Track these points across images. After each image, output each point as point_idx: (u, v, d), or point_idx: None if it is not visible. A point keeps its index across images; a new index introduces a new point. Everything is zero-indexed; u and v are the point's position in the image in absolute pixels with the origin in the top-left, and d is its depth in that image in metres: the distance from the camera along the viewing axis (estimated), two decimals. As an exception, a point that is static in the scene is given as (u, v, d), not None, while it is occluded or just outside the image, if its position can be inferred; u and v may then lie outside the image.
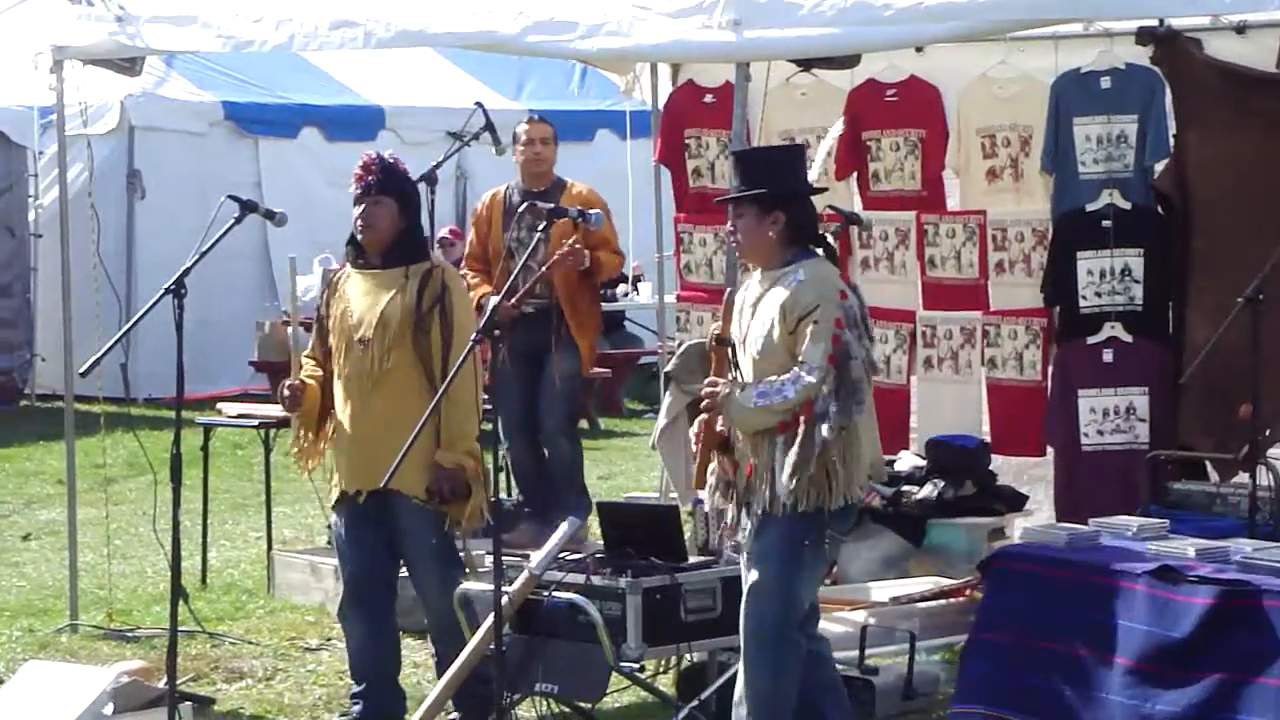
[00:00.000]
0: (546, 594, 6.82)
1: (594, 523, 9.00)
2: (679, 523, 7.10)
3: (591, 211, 7.24)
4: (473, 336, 6.36)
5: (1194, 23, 8.34)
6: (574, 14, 7.56)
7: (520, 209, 9.50)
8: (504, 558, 6.30)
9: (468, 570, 7.26)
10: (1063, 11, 7.29)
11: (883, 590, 8.40)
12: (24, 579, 9.95)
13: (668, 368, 9.10)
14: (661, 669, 7.26)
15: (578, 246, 9.31)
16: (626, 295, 16.20)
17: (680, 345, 9.18)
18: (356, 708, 7.15)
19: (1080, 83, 8.53)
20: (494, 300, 7.21)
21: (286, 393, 7.09)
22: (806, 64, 8.78)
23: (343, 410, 7.07)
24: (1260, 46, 8.33)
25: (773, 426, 6.03)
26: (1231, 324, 7.08)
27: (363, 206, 7.06)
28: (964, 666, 6.37)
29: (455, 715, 6.90)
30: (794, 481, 5.97)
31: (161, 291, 6.52)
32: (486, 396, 8.83)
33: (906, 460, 9.06)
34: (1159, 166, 8.44)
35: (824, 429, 5.95)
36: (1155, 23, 8.30)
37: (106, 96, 15.01)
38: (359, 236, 7.10)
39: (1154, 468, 8.06)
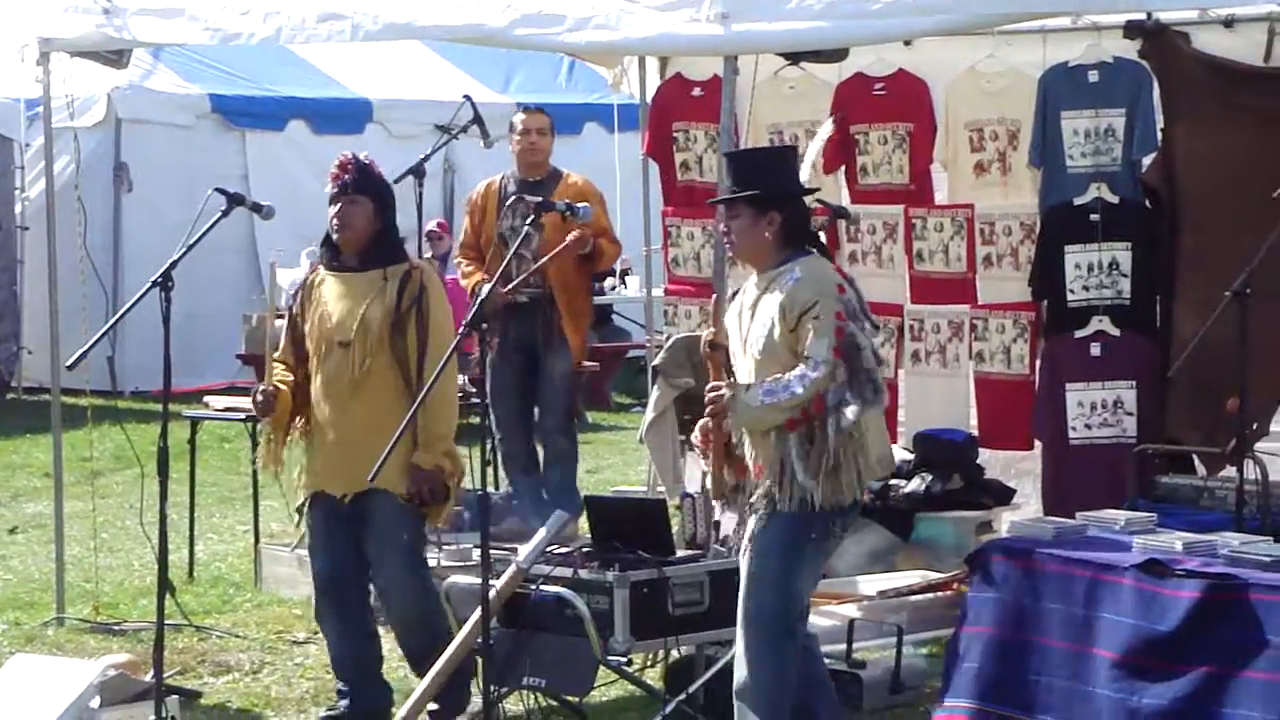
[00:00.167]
0: (534, 587, 6.81)
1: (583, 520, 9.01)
2: (666, 517, 7.10)
3: (580, 205, 7.24)
4: (461, 329, 6.34)
5: (1182, 16, 8.35)
6: (562, 7, 7.55)
7: (507, 203, 9.50)
8: (491, 551, 6.30)
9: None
10: (1050, 5, 7.29)
11: (870, 584, 8.40)
12: (10, 572, 9.93)
13: (655, 362, 9.11)
14: (649, 662, 7.25)
15: (576, 234, 9.30)
16: (614, 289, 16.20)
17: (668, 339, 9.19)
18: (343, 703, 7.15)
19: (1068, 76, 8.53)
20: (487, 288, 7.22)
21: (260, 398, 7.07)
22: (795, 57, 8.78)
23: (321, 413, 7.03)
24: (1248, 40, 8.34)
25: (780, 424, 6.03)
26: (1219, 318, 7.09)
27: (339, 205, 7.02)
28: (951, 660, 6.38)
29: (433, 707, 6.89)
30: (819, 478, 5.97)
31: (148, 284, 6.51)
32: (475, 390, 8.85)
33: (894, 454, 9.06)
34: (1147, 160, 8.45)
35: (846, 415, 5.95)
36: (1143, 16, 8.31)
37: (93, 89, 14.98)
38: (334, 236, 7.06)
39: (1141, 461, 8.06)
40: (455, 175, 16.71)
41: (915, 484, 8.84)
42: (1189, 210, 8.34)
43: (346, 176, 7.02)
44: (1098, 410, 8.51)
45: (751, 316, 6.16)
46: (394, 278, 6.99)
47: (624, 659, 6.88)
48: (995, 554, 6.38)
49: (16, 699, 6.79)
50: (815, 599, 7.78)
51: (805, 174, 6.39)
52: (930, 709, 7.02)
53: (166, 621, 6.68)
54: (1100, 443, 8.47)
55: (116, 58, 9.12)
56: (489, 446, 9.33)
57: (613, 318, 16.66)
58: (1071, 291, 8.53)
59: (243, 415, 9.68)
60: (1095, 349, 8.49)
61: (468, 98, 9.78)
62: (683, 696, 6.89)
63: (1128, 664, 5.90)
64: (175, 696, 6.92)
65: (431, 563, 7.57)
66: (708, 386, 6.19)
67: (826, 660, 6.70)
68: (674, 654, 7.13)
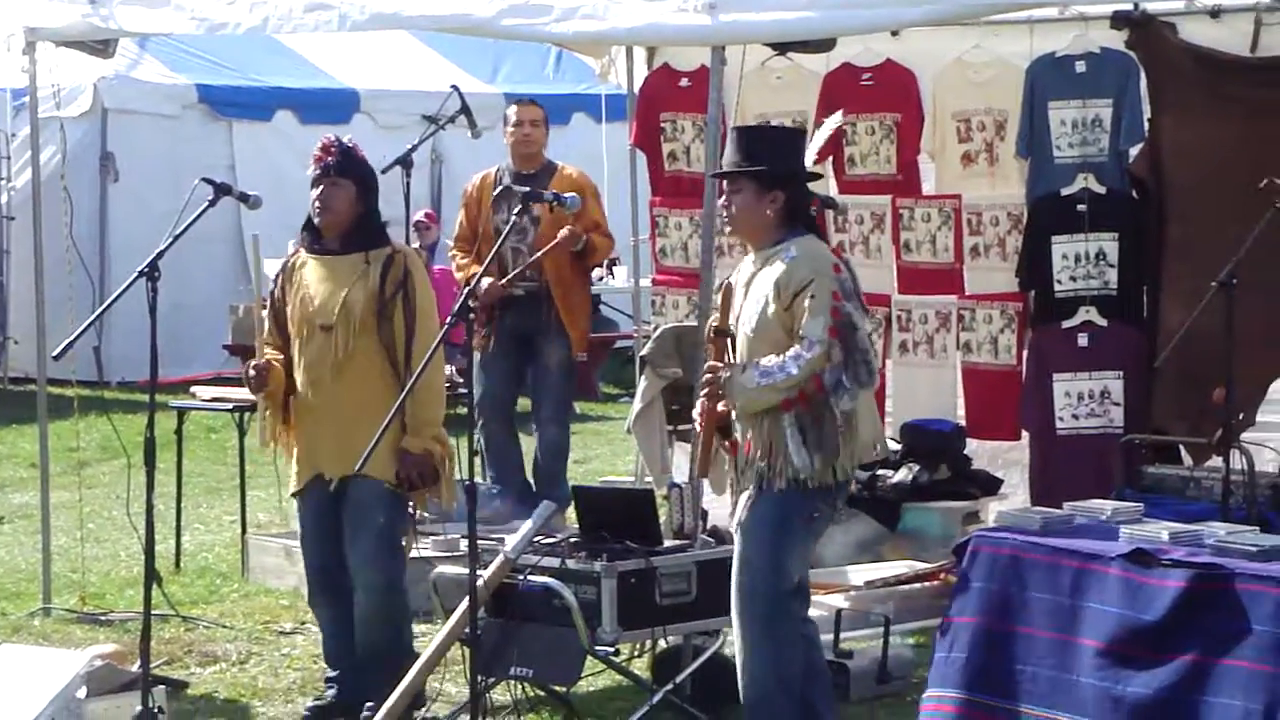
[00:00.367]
0: (522, 577, 6.81)
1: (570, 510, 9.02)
2: (654, 506, 7.10)
3: (567, 196, 7.23)
4: (449, 317, 6.33)
5: (1168, 7, 8.37)
6: (549, -3, 7.54)
7: (495, 193, 9.49)
8: (478, 541, 6.29)
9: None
10: (1038, -4, 7.29)
11: (857, 574, 8.41)
12: (-3, 563, 9.93)
13: (643, 352, 9.11)
14: (636, 652, 7.26)
15: (569, 230, 9.30)
16: (602, 279, 16.18)
17: (655, 329, 9.20)
18: (330, 692, 7.14)
19: (1055, 67, 8.54)
20: (476, 280, 7.21)
21: (252, 373, 7.05)
22: (782, 48, 8.79)
23: (306, 397, 7.01)
24: (1234, 30, 8.35)
25: (776, 405, 6.03)
26: (1205, 308, 7.10)
27: (321, 188, 7.00)
28: (938, 650, 6.38)
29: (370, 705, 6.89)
30: (817, 458, 5.98)
31: (135, 275, 6.49)
32: (462, 380, 8.84)
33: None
34: (1134, 151, 8.46)
35: (843, 400, 5.96)
36: (1130, 7, 8.32)
37: (79, 79, 14.95)
38: (315, 219, 7.04)
39: (1128, 452, 8.08)
40: (443, 165, 16.70)
41: (902, 474, 8.85)
42: (1176, 201, 8.35)
43: (329, 159, 7.00)
44: (1085, 400, 8.53)
45: (745, 294, 6.16)
46: (376, 261, 6.97)
47: (611, 649, 6.88)
48: (982, 544, 6.38)
49: (2, 689, 6.78)
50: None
51: (809, 162, 6.39)
52: (918, 699, 7.03)
53: (153, 612, 6.66)
54: (1087, 433, 8.48)
55: (103, 47, 9.09)
56: (476, 437, 9.33)
57: (600, 308, 16.65)
58: (1059, 282, 8.54)
59: (230, 405, 9.68)
60: (1082, 339, 8.51)
61: (455, 88, 9.78)
62: (670, 686, 6.90)
63: (1113, 653, 5.91)
64: (162, 687, 6.92)
65: (421, 553, 7.58)
66: (705, 366, 6.19)
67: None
68: (661, 644, 7.14)
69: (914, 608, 8.10)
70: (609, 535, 6.93)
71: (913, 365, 9.13)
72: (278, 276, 7.20)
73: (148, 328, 6.41)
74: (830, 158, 9.25)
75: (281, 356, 7.10)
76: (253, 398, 7.26)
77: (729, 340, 6.16)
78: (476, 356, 9.30)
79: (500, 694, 7.01)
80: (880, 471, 8.87)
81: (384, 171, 7.90)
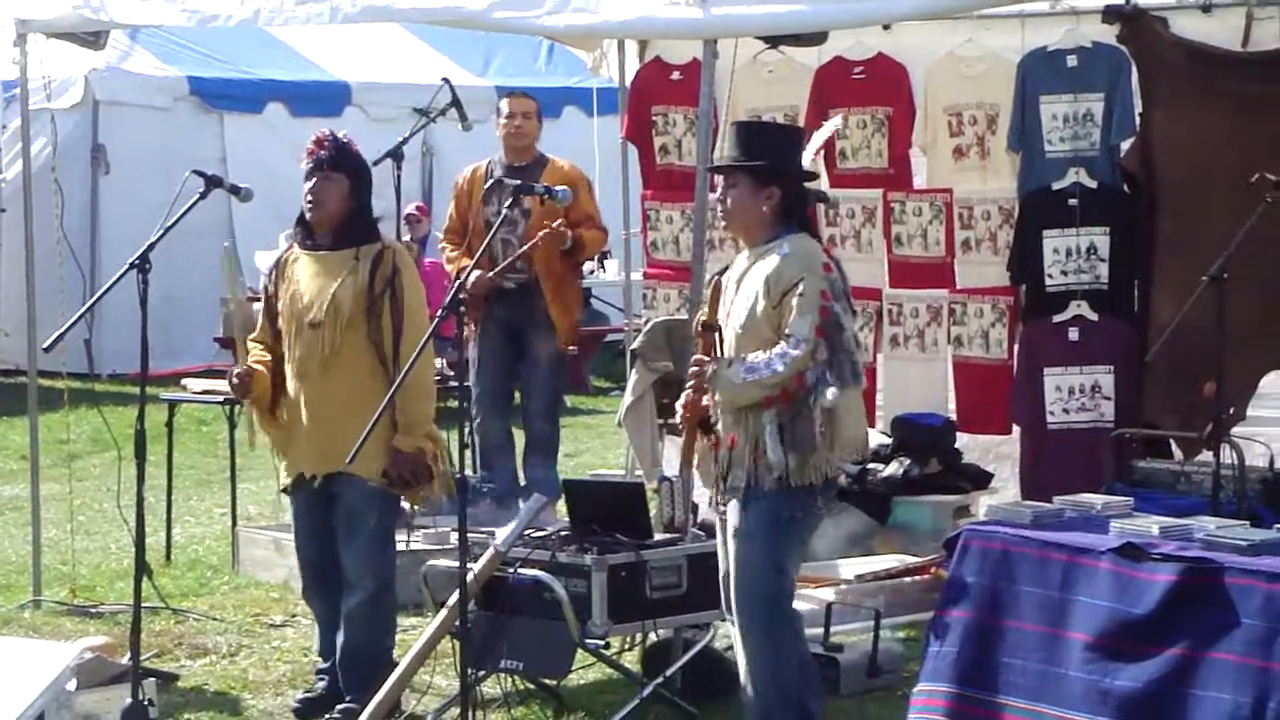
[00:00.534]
0: (512, 571, 6.81)
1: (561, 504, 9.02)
2: (644, 500, 7.10)
3: (558, 188, 7.22)
4: (440, 310, 6.32)
5: (1160, 1, 8.37)
6: (541, -11, 7.54)
7: (486, 186, 9.48)
8: (469, 534, 6.29)
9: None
10: (1029, -11, 7.29)
11: (848, 568, 8.42)
12: (-13, 555, 9.92)
13: (634, 345, 9.11)
14: (627, 646, 7.26)
15: (560, 227, 9.30)
16: (593, 273, 16.18)
17: (646, 323, 9.19)
18: (321, 684, 7.14)
19: (1047, 61, 8.54)
20: (467, 273, 7.21)
21: (235, 381, 7.05)
22: (774, 41, 8.77)
23: (295, 393, 7.00)
24: (1225, 25, 8.35)
25: (759, 401, 6.03)
26: (1196, 302, 7.10)
27: (313, 182, 6.98)
28: (928, 644, 6.38)
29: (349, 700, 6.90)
30: (795, 458, 5.98)
31: (126, 267, 6.49)
32: (454, 372, 8.83)
33: (872, 438, 9.07)
34: (1125, 145, 8.46)
35: (826, 396, 5.96)
36: (1122, 1, 8.32)
37: (70, 70, 14.94)
38: (307, 214, 7.03)
39: (1119, 446, 8.08)
40: (434, 158, 16.69)
41: (893, 468, 8.85)
42: (1167, 195, 8.36)
43: (322, 152, 6.98)
44: (1075, 395, 8.53)
45: (736, 290, 6.16)
46: (366, 258, 6.95)
47: (602, 642, 6.88)
48: (972, 538, 6.38)
49: (-7, 681, 6.78)
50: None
51: (806, 161, 6.39)
52: (908, 693, 7.03)
53: (144, 604, 6.66)
54: (1078, 427, 8.49)
55: (94, 39, 9.09)
56: (468, 430, 9.32)
57: (591, 301, 16.65)
58: (1050, 276, 8.54)
59: (220, 398, 9.67)
60: (1073, 334, 8.51)
61: (446, 81, 9.76)
62: (660, 680, 6.90)
63: (1101, 646, 5.92)
64: (152, 679, 6.92)
65: (411, 546, 7.58)
66: (692, 359, 6.19)
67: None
68: (651, 637, 7.14)
69: (904, 602, 8.11)
70: (599, 529, 6.93)
71: (904, 359, 9.13)
72: (271, 272, 7.18)
73: (138, 320, 6.41)
74: (822, 152, 9.25)
75: (268, 356, 7.09)
76: (252, 359, 7.23)
77: (717, 334, 6.16)
78: (471, 351, 9.30)
79: (490, 687, 7.01)
80: (871, 465, 8.87)
81: (375, 164, 7.88)
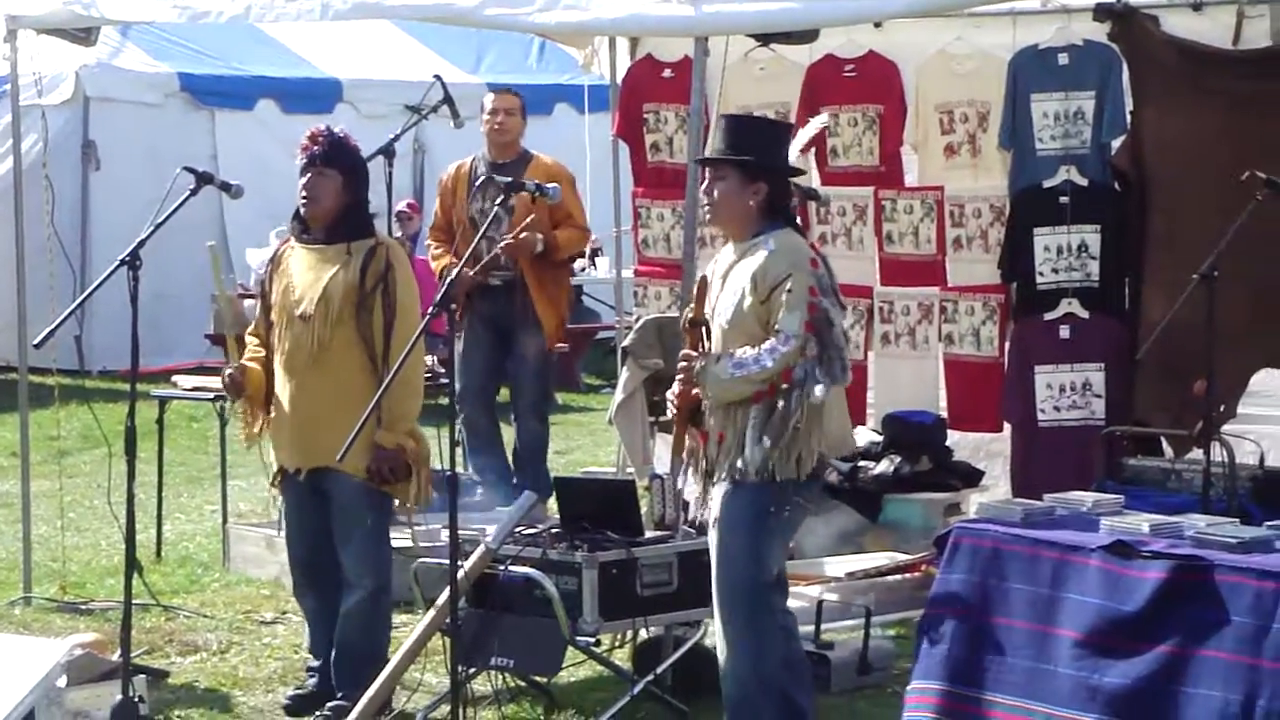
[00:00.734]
0: (503, 568, 6.81)
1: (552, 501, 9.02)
2: (635, 497, 7.10)
3: (549, 185, 7.22)
4: (430, 309, 6.32)
5: (1151, -1, 8.38)
6: (532, -14, 7.53)
7: (477, 183, 9.47)
8: (459, 531, 6.29)
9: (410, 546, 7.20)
10: (1021, -12, 7.30)
11: (839, 565, 8.42)
12: (-23, 552, 9.90)
13: (625, 342, 9.10)
14: (617, 643, 7.26)
15: (524, 236, 9.28)
16: (584, 270, 16.17)
17: (638, 320, 9.19)
18: (312, 681, 7.13)
19: (1038, 59, 8.55)
20: (455, 271, 7.20)
21: (227, 379, 7.04)
22: (765, 39, 8.78)
23: (283, 387, 6.99)
24: (1217, 23, 8.36)
25: (748, 396, 6.04)
26: (1187, 300, 7.11)
27: (307, 177, 6.96)
28: (920, 642, 6.39)
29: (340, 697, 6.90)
30: (776, 451, 5.98)
31: (116, 263, 6.48)
32: (444, 370, 8.82)
33: (863, 436, 9.09)
34: (1116, 143, 8.47)
35: (815, 391, 5.96)
36: (1113, -1, 8.33)
37: (61, 67, 14.90)
38: (302, 209, 7.02)
39: (1109, 444, 8.09)
40: (425, 155, 16.67)
41: (884, 466, 8.86)
42: (1158, 193, 8.36)
43: (316, 148, 6.97)
44: (1066, 392, 8.54)
45: (722, 285, 6.16)
46: (358, 253, 6.93)
47: (592, 639, 6.88)
48: (963, 536, 6.39)
49: (-17, 678, 6.77)
50: (784, 580, 7.81)
51: (793, 157, 6.39)
52: (899, 690, 7.03)
53: (134, 601, 6.66)
54: (1069, 425, 8.50)
55: (84, 35, 9.07)
56: (458, 427, 9.31)
57: (582, 299, 16.65)
58: (1041, 274, 8.55)
59: (211, 395, 9.66)
60: (1064, 331, 8.52)
61: (438, 78, 9.75)
62: (651, 677, 6.90)
63: (1091, 643, 5.92)
64: (142, 676, 6.91)
65: (402, 543, 7.56)
66: (680, 354, 6.19)
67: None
68: (642, 634, 7.14)
69: (895, 599, 8.11)
70: (590, 526, 6.92)
71: (895, 357, 9.14)
72: (266, 266, 7.18)
73: (129, 316, 6.40)
74: (813, 149, 9.25)
75: (262, 352, 7.08)
76: (245, 358, 7.22)
77: (704, 330, 6.16)
78: (459, 347, 9.29)
79: (481, 684, 7.01)
80: (862, 463, 8.88)
81: (367, 161, 7.87)
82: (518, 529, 6.91)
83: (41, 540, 9.48)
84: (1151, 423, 8.29)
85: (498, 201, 7.16)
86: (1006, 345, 8.78)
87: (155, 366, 12.85)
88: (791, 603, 7.62)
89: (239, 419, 7.23)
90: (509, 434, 9.90)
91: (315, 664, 7.15)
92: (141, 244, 6.49)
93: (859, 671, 7.28)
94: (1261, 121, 8.03)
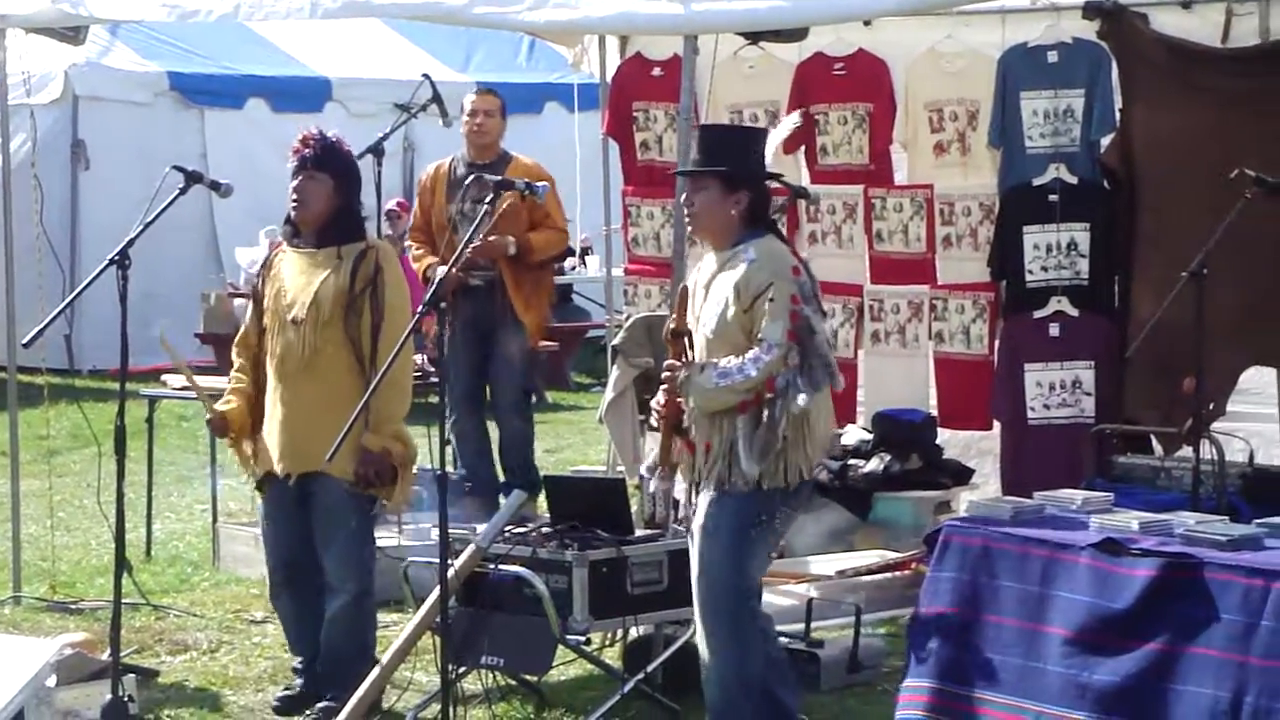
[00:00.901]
0: (493, 567, 6.81)
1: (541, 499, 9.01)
2: (625, 496, 7.10)
3: (539, 184, 7.22)
4: (419, 309, 6.31)
5: (1140, -3, 8.39)
6: (522, -15, 7.53)
7: (467, 182, 9.46)
8: (449, 530, 6.28)
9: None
10: (1010, -14, 7.30)
11: (828, 563, 8.42)
12: (-34, 551, 9.88)
13: (615, 341, 9.11)
14: (608, 642, 7.26)
15: (494, 238, 9.26)
16: (574, 269, 16.19)
17: (628, 319, 9.19)
18: (299, 681, 7.13)
19: (1027, 57, 8.55)
20: (440, 271, 7.19)
21: (210, 426, 7.11)
22: (754, 37, 8.78)
23: (273, 391, 6.98)
24: (1205, 21, 8.37)
25: (733, 406, 6.03)
26: (1176, 298, 7.11)
27: (298, 180, 6.95)
28: (911, 641, 6.39)
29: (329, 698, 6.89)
30: (764, 461, 5.98)
31: (105, 262, 6.47)
32: (434, 370, 8.81)
33: (853, 434, 9.09)
34: (1105, 141, 8.48)
35: (798, 400, 5.96)
36: (1102, -3, 8.34)
37: (50, 66, 14.90)
38: (292, 213, 7.00)
39: (1099, 441, 8.09)
40: (415, 154, 16.67)
41: (874, 464, 8.86)
42: (1147, 191, 8.37)
43: (307, 151, 6.95)
44: (1056, 390, 8.55)
45: (705, 295, 6.15)
46: (349, 256, 6.92)
47: (583, 638, 6.88)
48: (953, 534, 6.39)
49: (-28, 678, 6.76)
50: (773, 578, 7.82)
51: (768, 159, 6.39)
52: (889, 688, 7.04)
53: (124, 600, 6.64)
54: (1058, 423, 8.50)
55: (73, 34, 9.06)
56: (447, 426, 9.31)
57: (572, 297, 16.65)
58: (1030, 272, 8.56)
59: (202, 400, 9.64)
60: (1054, 329, 8.53)
61: (427, 76, 9.75)
62: (641, 675, 6.90)
63: (1080, 641, 5.93)
64: (132, 675, 6.90)
65: (392, 542, 7.56)
66: (664, 364, 6.19)
67: (784, 640, 6.71)
68: (633, 633, 7.14)
69: (885, 597, 8.12)
70: (580, 524, 6.92)
71: (885, 355, 9.14)
72: (259, 270, 7.17)
73: (118, 316, 6.39)
74: (803, 147, 9.26)
75: (245, 380, 7.07)
76: (224, 388, 7.23)
77: (687, 340, 6.16)
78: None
79: (471, 683, 7.01)
80: (852, 461, 8.88)
81: (357, 159, 7.87)
82: (508, 528, 6.91)
83: (31, 539, 9.47)
84: (1141, 420, 8.30)
85: (488, 200, 7.15)
86: (996, 343, 8.78)
87: (145, 366, 12.82)
88: (781, 601, 7.67)
89: (233, 452, 7.22)
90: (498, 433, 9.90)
91: (299, 664, 7.14)
92: (130, 243, 6.48)
93: (849, 669, 7.28)
94: (1251, 119, 8.04)
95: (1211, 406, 7.81)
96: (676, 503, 7.29)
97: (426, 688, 7.06)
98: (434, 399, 7.86)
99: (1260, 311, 8.15)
